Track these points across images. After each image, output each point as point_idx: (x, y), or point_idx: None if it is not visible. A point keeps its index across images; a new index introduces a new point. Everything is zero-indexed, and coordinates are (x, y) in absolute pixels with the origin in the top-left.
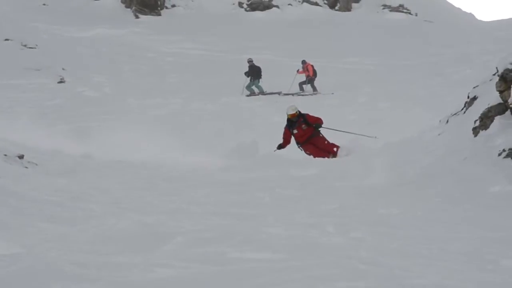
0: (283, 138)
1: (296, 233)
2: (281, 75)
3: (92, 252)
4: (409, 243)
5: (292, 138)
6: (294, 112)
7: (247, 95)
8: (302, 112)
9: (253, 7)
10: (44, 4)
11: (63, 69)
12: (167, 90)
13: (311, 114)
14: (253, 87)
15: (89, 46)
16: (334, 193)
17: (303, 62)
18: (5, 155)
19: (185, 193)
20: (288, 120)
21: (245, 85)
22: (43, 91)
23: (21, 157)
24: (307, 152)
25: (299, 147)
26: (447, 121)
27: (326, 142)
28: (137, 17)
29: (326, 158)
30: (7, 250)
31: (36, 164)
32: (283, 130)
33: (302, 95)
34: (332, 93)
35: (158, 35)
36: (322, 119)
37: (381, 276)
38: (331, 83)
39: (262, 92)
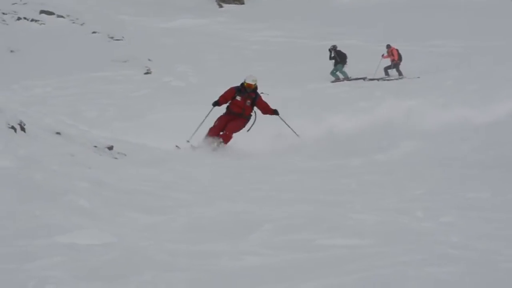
0: (223, 95)
1: (384, 219)
2: (366, 60)
3: (182, 241)
4: (500, 227)
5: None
6: (253, 83)
7: (332, 81)
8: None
9: None
10: None
11: (149, 60)
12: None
13: (266, 101)
14: (338, 73)
15: (174, 36)
16: (422, 178)
17: (388, 46)
18: (95, 146)
19: (272, 181)
20: (242, 86)
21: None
22: (130, 82)
23: (110, 148)
24: (216, 122)
25: (220, 107)
26: None
27: (235, 128)
28: (220, 6)
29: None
30: (99, 239)
31: (125, 155)
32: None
33: (388, 79)
34: (418, 77)
35: (241, 23)
36: (271, 112)
37: (472, 260)
38: (417, 67)
39: (347, 78)
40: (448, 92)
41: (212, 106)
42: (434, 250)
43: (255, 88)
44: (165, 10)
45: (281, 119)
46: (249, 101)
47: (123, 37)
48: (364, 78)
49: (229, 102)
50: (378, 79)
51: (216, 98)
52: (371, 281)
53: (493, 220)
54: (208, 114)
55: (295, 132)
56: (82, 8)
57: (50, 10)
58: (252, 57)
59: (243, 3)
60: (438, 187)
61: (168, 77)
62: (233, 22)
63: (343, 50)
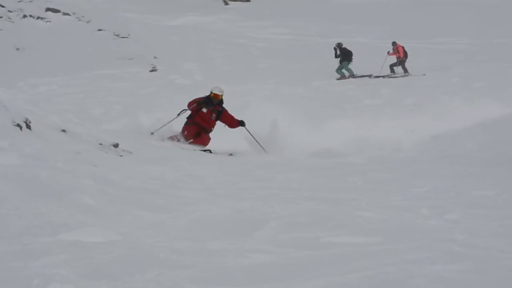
0: (192, 102)
1: (390, 217)
2: (371, 57)
3: (187, 238)
4: (506, 224)
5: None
6: (220, 94)
7: (338, 79)
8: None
9: None
10: None
11: (155, 57)
12: (258, 75)
13: (231, 114)
14: (343, 70)
15: (180, 34)
16: (427, 175)
17: (394, 43)
18: (100, 144)
19: (278, 179)
20: (208, 98)
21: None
22: (136, 80)
23: (116, 145)
24: (184, 132)
25: (183, 116)
26: None
27: (205, 142)
28: (226, 3)
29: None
30: (104, 237)
31: (131, 153)
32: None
33: (393, 77)
34: (424, 74)
35: (247, 21)
36: (236, 125)
37: (478, 258)
38: (423, 64)
39: (352, 75)
40: (453, 89)
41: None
42: (440, 247)
43: (221, 101)
44: (171, 8)
45: (247, 130)
46: (214, 115)
47: (129, 34)
48: (369, 76)
49: (194, 111)
50: (383, 77)
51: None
52: (377, 279)
53: (498, 218)
54: (179, 114)
55: (261, 147)
56: (88, 5)
57: (56, 8)
58: (258, 54)
59: (248, 1)
60: (443, 185)
61: (174, 75)
62: (239, 19)
63: (349, 48)
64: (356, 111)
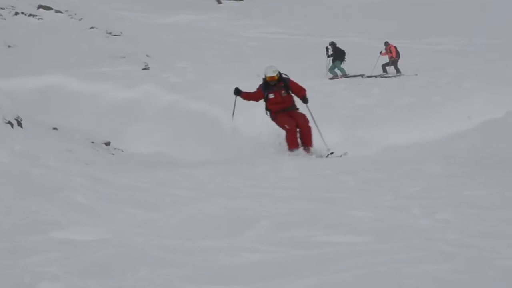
0: (252, 93)
1: (381, 216)
2: (364, 57)
3: (179, 237)
4: (498, 224)
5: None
6: (274, 74)
7: (330, 78)
8: (284, 76)
9: None
10: None
11: (147, 55)
12: (251, 74)
13: (295, 81)
14: (336, 70)
15: (172, 32)
16: (419, 175)
17: (386, 43)
18: (92, 142)
19: (270, 178)
20: (265, 83)
21: (328, 67)
22: (128, 78)
23: (107, 144)
24: (279, 124)
25: (269, 115)
26: None
27: (306, 121)
28: (219, 2)
29: (299, 149)
30: (95, 235)
31: (122, 151)
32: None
33: (386, 77)
34: (416, 75)
35: (240, 20)
36: (306, 91)
37: (469, 257)
38: (415, 64)
39: (345, 75)
40: (445, 90)
41: (234, 96)
42: (431, 247)
43: (280, 78)
44: (164, 6)
45: (309, 110)
46: (283, 91)
47: (121, 32)
48: (362, 75)
49: (259, 101)
50: (376, 76)
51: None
52: (368, 278)
53: (490, 218)
54: (235, 104)
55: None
56: (80, 3)
57: (48, 5)
58: (251, 53)
59: (241, 0)
60: (435, 184)
61: (166, 73)
62: (232, 18)
63: (341, 47)
64: (348, 110)
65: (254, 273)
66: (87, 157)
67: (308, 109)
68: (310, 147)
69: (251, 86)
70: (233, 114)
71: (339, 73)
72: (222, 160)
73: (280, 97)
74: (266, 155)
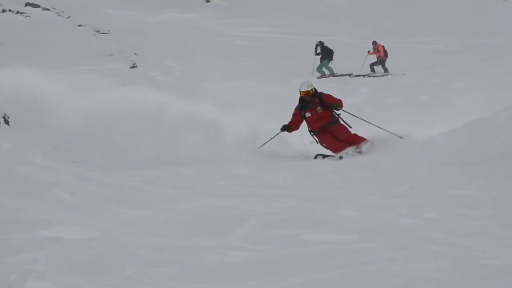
0: (292, 120)
1: (368, 215)
2: (352, 56)
3: (167, 235)
4: (484, 224)
5: (305, 124)
6: (309, 89)
7: (318, 77)
8: (320, 91)
9: None
10: None
11: (135, 54)
12: (239, 73)
13: (334, 96)
14: (324, 69)
15: (161, 30)
16: (406, 175)
17: (374, 43)
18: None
19: (257, 177)
20: (301, 99)
21: (315, 66)
22: (116, 76)
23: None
24: (323, 144)
25: (312, 135)
26: None
27: (348, 132)
28: (207, 1)
29: (346, 149)
30: (83, 234)
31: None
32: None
33: (373, 76)
34: (404, 74)
35: (229, 18)
36: (343, 102)
37: (455, 257)
38: (403, 64)
39: (332, 74)
40: (432, 89)
41: (280, 131)
42: (418, 246)
43: (315, 94)
44: (152, 4)
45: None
46: (319, 108)
47: (109, 30)
48: (350, 75)
49: (301, 123)
50: (364, 76)
51: (285, 122)
52: (355, 277)
53: (476, 217)
54: (274, 136)
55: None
56: (68, 1)
57: (36, 2)
58: (239, 52)
59: None
60: (422, 184)
61: (154, 72)
62: (220, 17)
63: (330, 46)
64: None
65: (242, 272)
66: (74, 155)
67: (339, 119)
68: (353, 144)
69: (240, 85)
70: (263, 144)
71: (326, 72)
72: (211, 159)
73: (316, 114)
74: (254, 154)
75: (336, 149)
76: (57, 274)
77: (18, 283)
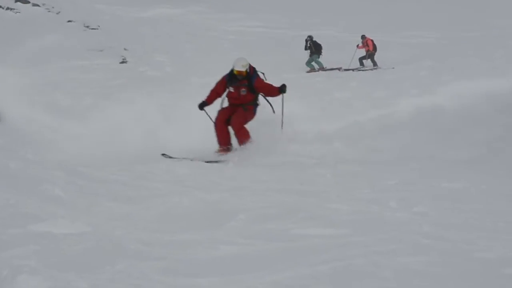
0: (214, 88)
1: (358, 209)
2: (341, 50)
3: (157, 230)
4: (473, 217)
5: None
6: (243, 69)
7: (307, 71)
8: (260, 72)
9: None
10: None
11: (125, 49)
12: (229, 68)
13: (267, 81)
14: (313, 63)
15: (150, 26)
16: (396, 169)
17: (363, 37)
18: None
19: (247, 172)
20: (231, 74)
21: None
22: (106, 71)
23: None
24: (216, 120)
25: (202, 108)
26: None
27: (243, 122)
28: None
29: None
30: (73, 229)
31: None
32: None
33: (363, 70)
34: (393, 68)
35: (218, 13)
36: (277, 90)
37: (445, 250)
38: (392, 58)
39: (322, 68)
40: (421, 82)
41: (199, 109)
42: (408, 240)
43: (248, 75)
44: (142, 0)
45: (282, 101)
46: (243, 89)
47: (99, 26)
48: (339, 69)
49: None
50: (353, 70)
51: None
52: (345, 271)
53: (466, 211)
54: (208, 115)
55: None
56: None
57: None
58: (229, 47)
59: None
60: (412, 178)
61: (144, 67)
62: (210, 12)
63: (319, 41)
64: (324, 103)
65: (232, 266)
66: (65, 150)
67: (282, 101)
68: (241, 145)
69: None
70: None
71: (316, 66)
72: (200, 155)
73: (237, 94)
74: (242, 149)
75: (220, 136)
76: (48, 269)
77: (10, 278)
